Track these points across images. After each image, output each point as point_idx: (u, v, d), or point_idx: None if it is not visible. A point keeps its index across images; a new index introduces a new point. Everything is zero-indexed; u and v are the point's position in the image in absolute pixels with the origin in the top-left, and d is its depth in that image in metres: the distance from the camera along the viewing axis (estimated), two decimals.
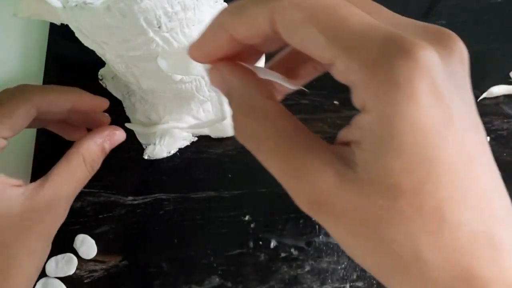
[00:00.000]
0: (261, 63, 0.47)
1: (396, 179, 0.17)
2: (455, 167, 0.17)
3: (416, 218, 0.17)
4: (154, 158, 0.45)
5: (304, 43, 0.19)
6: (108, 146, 0.36)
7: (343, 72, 0.18)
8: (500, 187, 0.18)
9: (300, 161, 0.19)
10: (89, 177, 0.35)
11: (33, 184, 0.33)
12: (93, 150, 0.35)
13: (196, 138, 0.46)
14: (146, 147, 0.45)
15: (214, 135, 0.46)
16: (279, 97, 0.26)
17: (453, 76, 0.18)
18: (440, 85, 0.17)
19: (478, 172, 0.18)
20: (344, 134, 0.19)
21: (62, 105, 0.36)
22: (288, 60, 0.25)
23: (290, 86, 0.23)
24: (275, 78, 0.23)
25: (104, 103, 0.38)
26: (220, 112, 0.38)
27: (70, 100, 0.36)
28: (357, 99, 0.18)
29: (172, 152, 0.45)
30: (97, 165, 0.36)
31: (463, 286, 0.17)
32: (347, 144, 0.19)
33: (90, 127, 0.40)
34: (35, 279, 0.33)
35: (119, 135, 0.37)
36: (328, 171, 0.18)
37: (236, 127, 0.21)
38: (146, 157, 0.45)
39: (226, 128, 0.45)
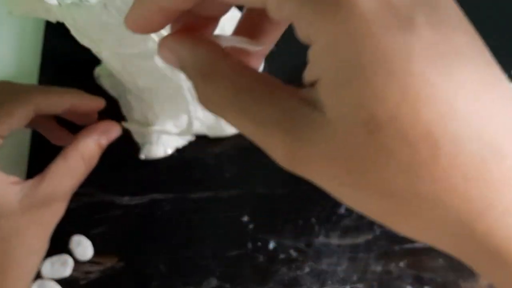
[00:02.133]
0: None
1: (368, 110, 0.15)
2: (432, 77, 0.15)
3: (403, 150, 0.15)
4: (151, 158, 0.45)
5: None
6: (105, 142, 0.36)
7: (275, 10, 0.17)
8: (495, 78, 0.17)
9: (268, 115, 0.18)
10: (86, 174, 0.35)
11: (31, 181, 0.33)
12: (91, 146, 0.35)
13: (193, 138, 0.46)
14: (143, 146, 0.45)
15: (212, 134, 0.45)
16: (258, 62, 0.25)
17: None
18: None
19: (465, 74, 0.15)
20: (305, 75, 0.18)
21: (61, 107, 0.36)
22: (246, 22, 0.24)
23: (254, 46, 0.22)
24: (237, 42, 0.22)
25: (101, 103, 0.38)
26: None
27: (69, 102, 0.36)
28: (301, 33, 0.17)
29: (169, 151, 0.45)
30: (94, 162, 0.36)
31: (473, 222, 0.15)
32: (311, 85, 0.18)
33: (78, 123, 0.40)
34: (33, 276, 0.34)
35: (115, 131, 0.37)
36: (298, 120, 0.17)
37: (199, 96, 0.20)
38: (142, 157, 0.45)
39: (224, 128, 0.45)
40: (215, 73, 0.19)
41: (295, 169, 0.18)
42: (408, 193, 0.16)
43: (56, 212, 0.34)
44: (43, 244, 0.34)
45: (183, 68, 0.21)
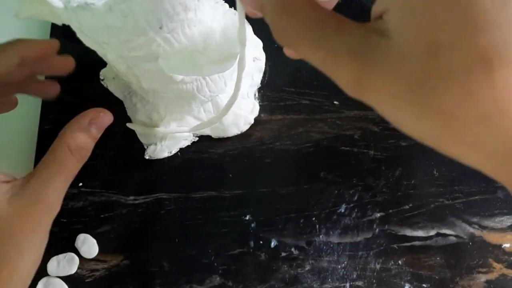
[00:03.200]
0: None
1: (430, 35, 0.17)
2: (490, 8, 0.16)
3: (460, 72, 0.16)
4: (155, 158, 0.45)
5: None
6: (95, 130, 0.34)
7: None
8: None
9: (339, 44, 0.19)
10: (79, 166, 0.33)
11: (21, 179, 0.32)
12: (78, 136, 0.33)
13: (197, 138, 0.46)
14: (147, 147, 0.45)
15: (215, 135, 0.46)
16: (329, 5, 0.27)
17: None
18: None
19: None
20: (374, 9, 0.20)
21: (10, 63, 0.34)
22: None
23: None
24: None
25: (53, 42, 0.37)
26: (220, 111, 0.38)
27: (15, 53, 0.34)
28: None
29: (173, 152, 0.46)
30: (86, 152, 0.34)
31: None
32: (380, 17, 0.19)
33: (57, 74, 0.39)
34: (33, 274, 0.32)
35: (105, 117, 0.35)
36: (366, 47, 0.19)
37: (274, 31, 0.22)
38: (147, 157, 0.45)
39: (227, 128, 0.45)
40: (292, 7, 0.21)
41: (359, 92, 0.20)
42: (463, 112, 0.17)
43: (49, 209, 0.32)
44: (40, 241, 0.32)
45: (262, 6, 0.23)
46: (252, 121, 0.46)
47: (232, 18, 0.37)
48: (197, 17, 0.34)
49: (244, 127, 0.46)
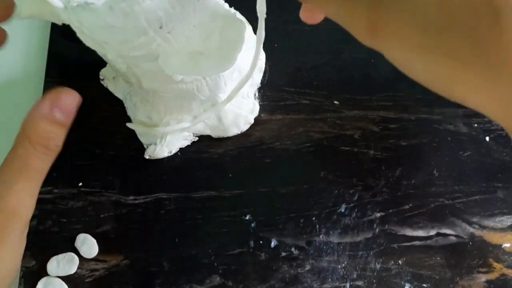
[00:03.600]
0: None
1: None
2: None
3: (468, 17, 0.18)
4: (155, 158, 0.45)
5: None
6: (59, 115, 0.29)
7: None
8: None
9: None
10: (49, 160, 0.29)
11: None
12: (40, 126, 0.28)
13: (197, 138, 0.46)
14: (147, 147, 0.45)
15: (215, 135, 0.46)
16: None
17: None
18: None
19: None
20: None
21: None
22: None
23: None
24: None
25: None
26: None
27: None
28: None
29: (173, 151, 0.46)
30: (55, 142, 0.29)
31: None
32: None
33: None
34: (8, 282, 0.30)
35: (68, 97, 0.30)
36: None
37: None
38: (147, 157, 0.45)
39: (227, 128, 0.45)
40: None
41: (372, 37, 0.21)
42: (470, 54, 0.18)
43: (12, 216, 0.29)
44: (8, 251, 0.29)
45: None
46: (252, 121, 0.46)
47: (232, 18, 0.37)
48: (197, 17, 0.34)
49: (244, 127, 0.46)
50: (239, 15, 0.44)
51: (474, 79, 0.18)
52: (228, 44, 0.35)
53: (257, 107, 0.47)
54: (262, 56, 0.48)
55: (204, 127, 0.46)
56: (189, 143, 0.46)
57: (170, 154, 0.46)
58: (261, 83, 0.48)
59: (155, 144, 0.45)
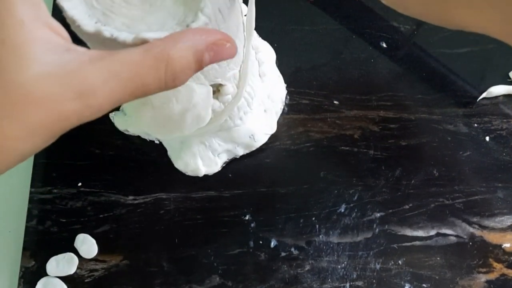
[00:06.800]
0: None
1: None
2: None
3: None
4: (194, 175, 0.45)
5: None
6: (208, 59, 0.24)
7: None
8: None
9: None
10: (163, 89, 0.23)
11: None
12: (186, 57, 0.23)
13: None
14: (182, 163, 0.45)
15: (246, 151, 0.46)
16: None
17: None
18: None
19: None
20: None
21: None
22: None
23: None
24: None
25: None
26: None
27: None
28: None
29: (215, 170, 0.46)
30: (181, 82, 0.23)
31: None
32: None
33: None
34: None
35: (230, 49, 0.25)
36: None
37: None
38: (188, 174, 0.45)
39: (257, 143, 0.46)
40: None
41: None
42: None
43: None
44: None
45: None
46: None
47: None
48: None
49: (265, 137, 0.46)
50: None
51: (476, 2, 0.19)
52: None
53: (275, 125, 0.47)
54: (282, 86, 0.47)
55: (239, 150, 0.46)
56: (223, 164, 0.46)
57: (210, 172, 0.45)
58: (281, 110, 0.47)
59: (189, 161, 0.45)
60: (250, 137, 0.43)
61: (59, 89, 0.20)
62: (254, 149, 0.45)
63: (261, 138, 0.45)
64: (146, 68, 0.22)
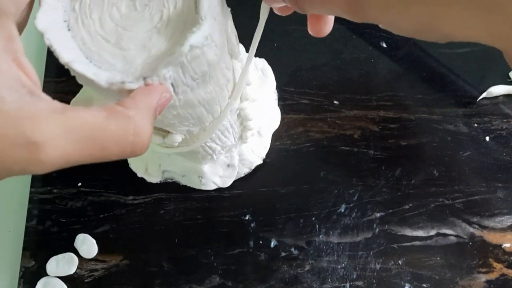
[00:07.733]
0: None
1: None
2: None
3: None
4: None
5: None
6: (157, 115, 0.25)
7: None
8: None
9: None
10: (127, 156, 0.24)
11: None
12: (149, 124, 0.24)
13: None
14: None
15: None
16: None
17: None
18: None
19: None
20: None
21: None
22: None
23: None
24: None
25: None
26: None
27: None
28: None
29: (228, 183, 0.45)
30: (145, 150, 0.24)
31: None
32: None
33: None
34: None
35: (169, 98, 0.26)
36: None
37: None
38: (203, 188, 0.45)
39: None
40: None
41: (359, 11, 0.22)
42: None
43: None
44: None
45: None
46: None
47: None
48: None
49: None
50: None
51: (460, 13, 0.19)
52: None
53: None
54: (278, 114, 0.47)
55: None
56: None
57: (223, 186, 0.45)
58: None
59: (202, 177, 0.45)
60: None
61: (9, 131, 0.19)
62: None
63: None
64: (108, 132, 0.21)
